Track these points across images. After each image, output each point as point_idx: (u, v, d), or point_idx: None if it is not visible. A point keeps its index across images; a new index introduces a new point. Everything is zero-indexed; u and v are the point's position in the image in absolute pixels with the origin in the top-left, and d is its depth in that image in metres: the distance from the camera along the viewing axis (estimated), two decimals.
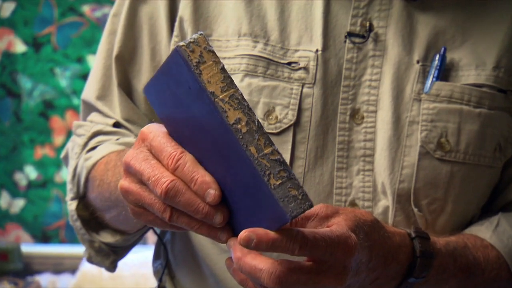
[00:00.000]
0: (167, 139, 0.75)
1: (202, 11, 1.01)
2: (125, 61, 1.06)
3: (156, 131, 0.76)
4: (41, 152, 2.77)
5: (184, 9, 1.01)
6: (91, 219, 1.05)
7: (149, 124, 0.78)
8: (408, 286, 0.88)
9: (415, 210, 0.96)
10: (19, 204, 2.79)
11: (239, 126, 0.69)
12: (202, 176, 0.72)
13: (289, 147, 0.97)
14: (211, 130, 0.71)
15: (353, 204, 0.96)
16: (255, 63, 0.97)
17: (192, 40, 0.71)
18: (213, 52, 0.71)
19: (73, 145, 1.09)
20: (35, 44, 2.74)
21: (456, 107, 0.97)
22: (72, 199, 1.06)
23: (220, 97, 0.70)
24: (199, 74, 0.70)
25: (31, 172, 2.78)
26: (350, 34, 0.98)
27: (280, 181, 0.69)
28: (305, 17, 0.99)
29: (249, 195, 0.70)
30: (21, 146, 2.76)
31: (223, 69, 0.71)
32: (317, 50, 0.97)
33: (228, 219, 0.73)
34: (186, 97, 0.72)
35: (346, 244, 0.75)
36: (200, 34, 0.71)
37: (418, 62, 0.97)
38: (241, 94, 0.71)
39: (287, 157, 0.97)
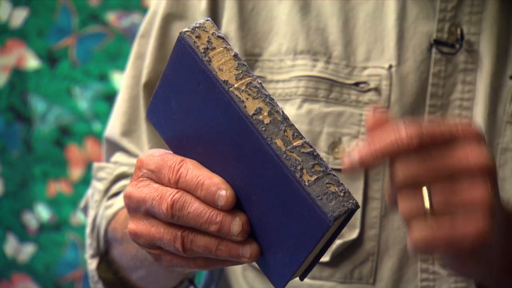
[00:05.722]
0: (164, 155, 0.76)
1: (250, 26, 1.03)
2: None
3: (152, 153, 0.77)
4: (55, 188, 2.78)
5: (229, 25, 1.03)
6: (116, 280, 1.06)
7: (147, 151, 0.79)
8: None
9: None
10: (28, 250, 2.80)
11: (260, 116, 0.70)
12: (208, 178, 0.72)
13: (361, 185, 0.97)
14: (228, 131, 0.72)
15: None
16: (315, 85, 0.98)
17: (197, 25, 0.72)
18: (223, 38, 0.73)
19: (93, 192, 1.11)
20: (50, 59, 2.75)
21: None
22: (92, 256, 1.07)
23: (235, 85, 0.71)
24: (208, 62, 0.71)
25: (43, 212, 2.79)
26: (436, 42, 0.97)
27: (315, 177, 0.68)
28: (374, 26, 1.00)
29: (279, 201, 0.70)
30: (31, 180, 2.78)
31: (236, 56, 0.72)
32: (390, 66, 0.98)
33: (249, 230, 0.73)
34: (195, 99, 0.73)
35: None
36: (207, 20, 0.73)
37: (511, 77, 0.98)
38: (260, 83, 0.72)
39: (358, 198, 0.96)
